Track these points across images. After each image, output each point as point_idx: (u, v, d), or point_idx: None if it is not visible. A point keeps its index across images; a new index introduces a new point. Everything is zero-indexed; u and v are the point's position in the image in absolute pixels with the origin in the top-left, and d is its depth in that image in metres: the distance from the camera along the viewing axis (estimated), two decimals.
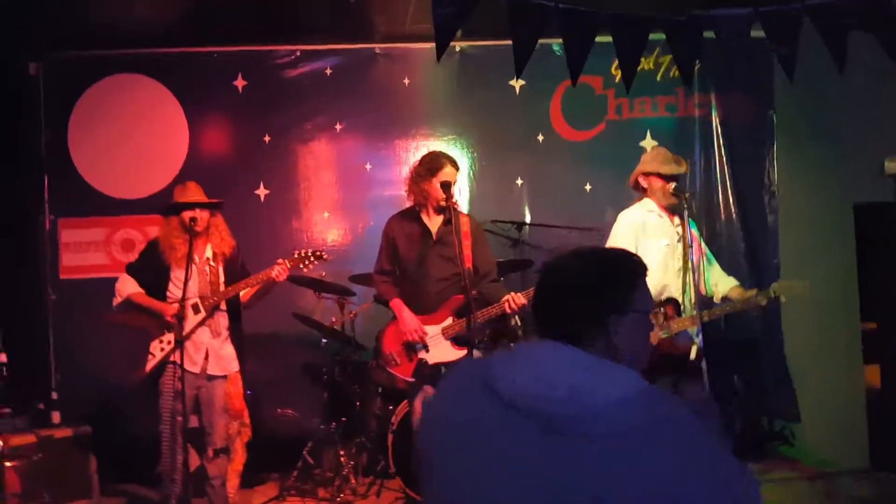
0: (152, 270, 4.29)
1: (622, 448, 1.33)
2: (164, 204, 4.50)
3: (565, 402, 1.37)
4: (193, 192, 4.35)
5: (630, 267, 1.61)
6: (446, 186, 4.15)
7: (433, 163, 4.23)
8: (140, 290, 4.31)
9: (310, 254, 4.27)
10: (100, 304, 5.48)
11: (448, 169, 4.19)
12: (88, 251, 5.74)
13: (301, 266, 4.27)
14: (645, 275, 1.62)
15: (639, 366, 1.58)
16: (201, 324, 4.23)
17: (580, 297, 1.54)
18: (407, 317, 4.23)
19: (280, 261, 4.23)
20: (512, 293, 4.11)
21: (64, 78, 5.77)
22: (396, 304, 4.30)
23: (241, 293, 4.36)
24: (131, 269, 4.40)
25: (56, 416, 5.19)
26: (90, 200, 5.73)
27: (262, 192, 5.84)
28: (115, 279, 5.50)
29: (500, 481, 1.39)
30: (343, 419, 5.17)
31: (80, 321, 5.54)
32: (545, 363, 1.46)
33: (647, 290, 1.61)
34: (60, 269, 5.72)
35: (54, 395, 5.43)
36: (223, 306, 4.33)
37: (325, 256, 4.32)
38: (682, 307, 4.19)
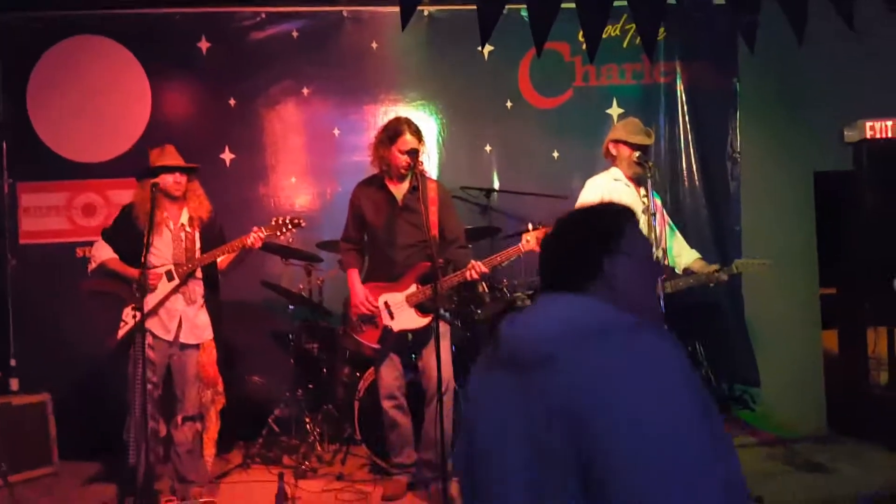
0: (126, 236, 4.19)
1: (566, 368, 1.35)
2: (138, 167, 4.36)
3: (526, 333, 1.46)
4: (171, 156, 4.26)
5: (612, 211, 1.66)
6: (413, 154, 4.12)
7: (393, 130, 4.17)
8: (114, 255, 4.22)
9: (287, 221, 4.20)
10: (60, 269, 5.51)
11: (408, 136, 4.13)
12: (49, 216, 5.65)
13: (277, 233, 4.20)
14: (630, 219, 1.64)
15: (649, 313, 1.59)
16: (175, 291, 4.18)
17: (570, 247, 1.60)
18: (357, 289, 4.25)
19: (256, 228, 4.18)
20: (474, 261, 4.13)
21: (22, 39, 5.61)
22: (351, 273, 4.32)
23: (219, 260, 4.31)
24: (106, 235, 4.30)
25: (14, 384, 5.16)
26: (50, 164, 5.61)
27: (227, 156, 5.77)
28: (75, 244, 5.54)
29: (500, 430, 1.44)
30: (310, 386, 5.20)
31: (40, 286, 5.49)
32: (536, 310, 1.53)
33: (638, 235, 1.62)
34: (20, 233, 5.62)
35: (13, 363, 5.38)
36: (199, 273, 4.27)
37: (302, 224, 4.26)
38: None
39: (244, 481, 4.71)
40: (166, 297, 4.17)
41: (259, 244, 4.17)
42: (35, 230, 5.63)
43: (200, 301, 4.28)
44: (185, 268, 4.19)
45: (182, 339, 4.20)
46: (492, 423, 1.47)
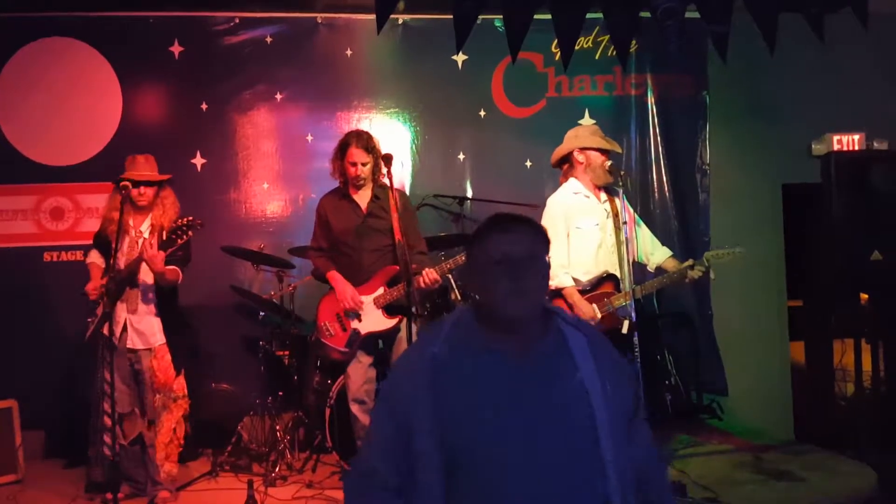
0: (103, 240, 4.30)
1: None
2: (108, 171, 4.47)
3: None
4: (140, 167, 4.29)
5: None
6: (364, 165, 4.23)
7: (343, 143, 4.31)
8: (95, 260, 4.37)
9: (183, 224, 4.09)
10: (27, 273, 5.40)
11: (354, 149, 4.24)
12: (16, 219, 5.56)
13: (174, 237, 4.07)
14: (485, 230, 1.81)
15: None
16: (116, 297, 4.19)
17: None
18: (343, 286, 4.29)
19: (145, 238, 4.18)
20: (427, 268, 4.18)
21: None
22: (333, 275, 4.35)
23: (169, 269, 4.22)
24: (94, 238, 4.45)
25: None
26: (19, 167, 5.53)
27: (198, 161, 5.72)
28: (43, 248, 5.54)
29: None
30: (280, 393, 5.14)
31: (5, 291, 5.38)
32: None
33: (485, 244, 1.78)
34: None
35: None
36: (145, 281, 4.22)
37: (199, 225, 4.13)
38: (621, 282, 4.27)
39: (212, 489, 4.63)
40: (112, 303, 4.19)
41: (152, 253, 4.04)
42: (2, 234, 5.52)
43: (144, 307, 4.25)
44: (121, 275, 4.17)
45: (129, 345, 4.21)
46: None
